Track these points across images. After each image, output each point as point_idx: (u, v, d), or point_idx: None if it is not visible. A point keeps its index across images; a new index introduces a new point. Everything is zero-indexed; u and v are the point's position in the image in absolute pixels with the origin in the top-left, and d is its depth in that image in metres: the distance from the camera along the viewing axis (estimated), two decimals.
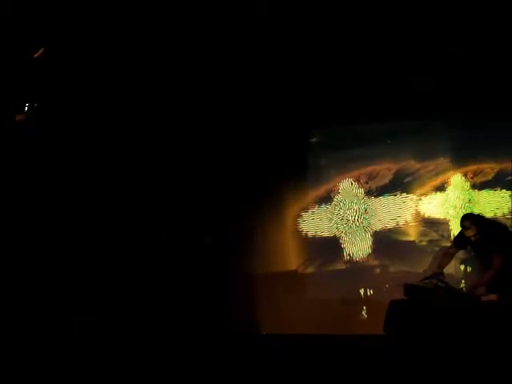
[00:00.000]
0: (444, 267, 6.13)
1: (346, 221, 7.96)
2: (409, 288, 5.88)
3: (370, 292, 7.69)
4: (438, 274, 5.96)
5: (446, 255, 6.30)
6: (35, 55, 6.69)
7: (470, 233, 5.93)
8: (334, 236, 8.00)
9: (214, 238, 7.89)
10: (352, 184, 7.95)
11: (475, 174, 7.42)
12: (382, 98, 7.31)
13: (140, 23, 6.68)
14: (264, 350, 6.81)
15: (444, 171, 7.56)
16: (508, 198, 7.23)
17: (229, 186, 7.90)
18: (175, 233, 7.86)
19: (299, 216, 8.17)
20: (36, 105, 7.00)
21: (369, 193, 7.89)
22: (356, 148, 7.83)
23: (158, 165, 7.87)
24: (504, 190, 7.28)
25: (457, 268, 7.14)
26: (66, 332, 7.01)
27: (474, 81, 6.92)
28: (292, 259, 8.21)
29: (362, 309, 7.63)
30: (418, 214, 7.65)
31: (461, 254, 6.70)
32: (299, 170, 8.17)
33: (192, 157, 7.92)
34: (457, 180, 7.49)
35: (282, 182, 8.07)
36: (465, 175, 7.45)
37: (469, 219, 6.03)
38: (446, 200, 7.53)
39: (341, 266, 7.98)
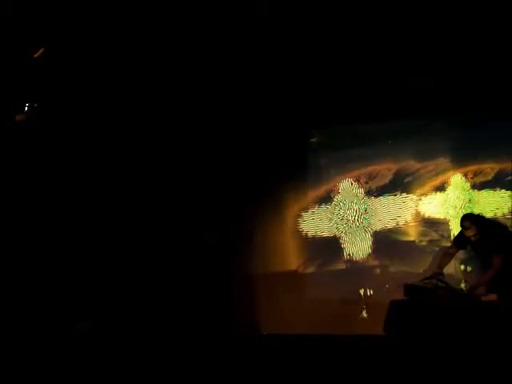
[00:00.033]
0: (444, 267, 6.13)
1: (345, 221, 7.96)
2: (409, 288, 5.88)
3: (369, 292, 7.69)
4: (438, 274, 5.96)
5: (446, 255, 6.30)
6: (35, 55, 6.69)
7: (469, 233, 5.93)
8: (334, 236, 8.00)
9: (213, 238, 7.89)
10: (352, 184, 7.94)
11: (475, 174, 7.41)
12: (381, 97, 7.31)
13: (140, 23, 6.68)
14: (264, 349, 6.81)
15: (444, 171, 7.56)
16: (508, 198, 7.22)
17: (229, 185, 7.90)
18: (175, 233, 7.86)
19: (299, 216, 8.17)
20: (36, 105, 7.00)
21: (369, 193, 7.89)
22: (356, 148, 7.83)
23: (158, 165, 7.87)
24: (504, 190, 7.28)
25: (457, 268, 7.14)
26: (66, 332, 7.01)
27: (474, 81, 6.92)
28: (292, 259, 8.21)
29: (362, 309, 7.62)
30: (417, 214, 7.65)
31: (461, 253, 6.70)
32: (299, 170, 8.16)
33: (192, 157, 7.92)
34: (457, 180, 7.49)
35: (282, 182, 8.07)
36: (465, 175, 7.45)
37: (469, 219, 6.02)
38: (446, 200, 7.52)
39: (341, 266, 7.98)
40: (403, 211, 7.72)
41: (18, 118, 6.96)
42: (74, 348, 6.71)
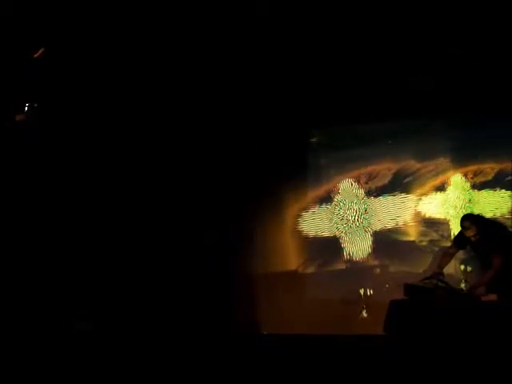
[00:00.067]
0: (444, 267, 6.13)
1: (345, 221, 7.96)
2: (409, 288, 5.88)
3: (369, 292, 7.69)
4: (438, 274, 5.95)
5: (446, 255, 6.29)
6: (35, 55, 6.69)
7: (469, 233, 5.92)
8: (334, 236, 8.01)
9: (213, 238, 7.89)
10: (352, 184, 7.95)
11: (475, 174, 7.42)
12: (382, 97, 7.32)
13: (140, 23, 6.68)
14: (264, 349, 6.80)
15: (444, 171, 7.56)
16: (508, 198, 7.23)
17: (229, 185, 7.90)
18: (175, 233, 7.86)
19: (299, 216, 8.17)
20: (36, 105, 7.00)
21: (369, 193, 7.89)
22: (356, 148, 7.84)
23: (158, 165, 7.87)
24: (503, 190, 7.29)
25: (457, 268, 7.14)
26: (66, 332, 7.01)
27: (474, 81, 6.92)
28: (292, 259, 8.21)
29: (362, 309, 7.62)
30: (417, 214, 7.66)
31: (461, 253, 6.70)
32: (299, 170, 8.17)
33: (192, 157, 7.92)
34: (457, 180, 7.49)
35: (282, 182, 8.07)
36: (465, 175, 7.45)
37: (469, 219, 6.02)
38: (446, 200, 7.53)
39: (341, 266, 7.98)
40: (403, 211, 7.72)
41: (18, 118, 6.96)
42: (74, 348, 6.71)
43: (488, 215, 7.02)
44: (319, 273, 8.07)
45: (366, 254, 7.87)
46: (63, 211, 7.54)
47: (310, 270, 8.15)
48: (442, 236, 7.52)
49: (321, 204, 8.09)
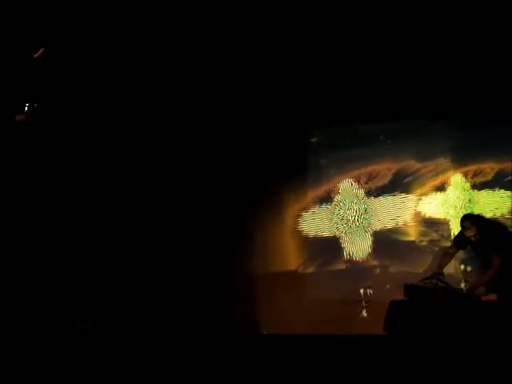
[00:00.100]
0: (444, 267, 6.13)
1: (345, 221, 7.96)
2: (409, 288, 5.88)
3: (369, 292, 7.68)
4: (438, 274, 5.96)
5: (446, 255, 6.30)
6: (35, 55, 6.69)
7: (469, 233, 5.92)
8: (334, 236, 8.00)
9: (213, 238, 7.89)
10: (352, 184, 7.95)
11: (475, 174, 7.42)
12: (382, 97, 7.31)
13: (140, 23, 6.68)
14: (264, 349, 6.80)
15: (444, 171, 7.56)
16: (507, 199, 7.23)
17: (229, 185, 7.90)
18: (175, 233, 7.86)
19: (299, 216, 8.17)
20: (36, 105, 7.00)
21: (369, 193, 7.89)
22: (356, 148, 7.83)
23: (158, 165, 7.87)
24: (503, 190, 7.29)
25: (457, 268, 7.14)
26: (66, 332, 7.01)
27: (474, 81, 6.92)
28: (292, 259, 8.21)
29: (362, 309, 7.62)
30: (417, 214, 7.66)
31: (461, 253, 6.70)
32: (299, 170, 8.17)
33: (192, 157, 7.92)
34: (457, 180, 7.49)
35: (282, 182, 8.07)
36: (465, 175, 7.45)
37: (469, 219, 6.02)
38: (446, 200, 7.53)
39: (341, 266, 7.98)
40: (403, 211, 7.72)
41: (18, 118, 6.96)
42: (74, 348, 6.71)
43: (488, 215, 7.02)
44: (319, 273, 8.07)
45: (365, 254, 7.87)
46: (63, 211, 7.53)
47: (310, 269, 8.14)
48: (442, 236, 7.52)
49: (321, 204, 8.09)
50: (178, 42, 6.94)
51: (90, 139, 7.59)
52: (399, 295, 5.97)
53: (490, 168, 7.34)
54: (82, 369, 6.20)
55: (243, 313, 7.73)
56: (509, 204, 7.21)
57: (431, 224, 7.61)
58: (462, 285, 6.87)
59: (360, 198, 7.92)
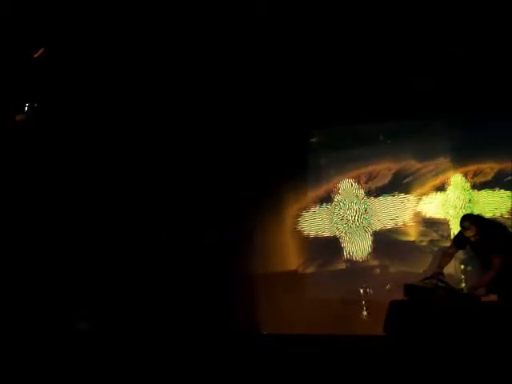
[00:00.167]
0: (444, 267, 6.13)
1: (345, 221, 7.96)
2: (409, 288, 5.88)
3: (369, 292, 7.68)
4: (438, 274, 5.96)
5: (446, 255, 6.30)
6: (35, 55, 6.68)
7: (469, 233, 5.92)
8: (334, 236, 8.00)
9: (213, 238, 7.89)
10: (352, 184, 7.95)
11: (475, 174, 7.42)
12: (382, 97, 7.31)
13: (140, 23, 6.68)
14: (264, 349, 6.80)
15: (444, 171, 7.56)
16: (507, 199, 7.23)
17: (229, 185, 7.90)
18: (175, 233, 7.86)
19: (299, 216, 8.17)
20: (36, 105, 7.00)
21: (369, 193, 7.89)
22: (356, 148, 7.84)
23: (158, 165, 7.87)
24: (503, 190, 7.29)
25: (457, 268, 7.14)
26: (66, 332, 7.01)
27: (474, 81, 6.92)
28: (292, 259, 8.21)
29: (362, 309, 7.62)
30: (417, 214, 7.66)
31: (461, 254, 6.71)
32: (299, 170, 8.17)
33: (192, 157, 7.92)
34: (457, 180, 7.49)
35: (282, 182, 8.07)
36: (465, 175, 7.45)
37: (468, 219, 6.02)
38: (446, 200, 7.53)
39: (341, 266, 7.99)
40: (403, 211, 7.73)
41: (18, 117, 6.96)
42: (74, 348, 6.71)
43: (488, 215, 7.02)
44: (319, 273, 8.07)
45: (366, 253, 7.87)
46: (63, 211, 7.53)
47: (310, 269, 8.15)
48: (442, 236, 7.52)
49: (321, 204, 8.09)
50: (177, 42, 6.93)
51: (89, 139, 7.59)
52: (399, 295, 5.96)
53: (489, 168, 7.35)
54: (82, 369, 6.20)
55: (243, 313, 7.74)
56: (509, 204, 7.21)
57: (431, 224, 7.61)
58: (462, 285, 6.88)
59: (360, 198, 7.92)
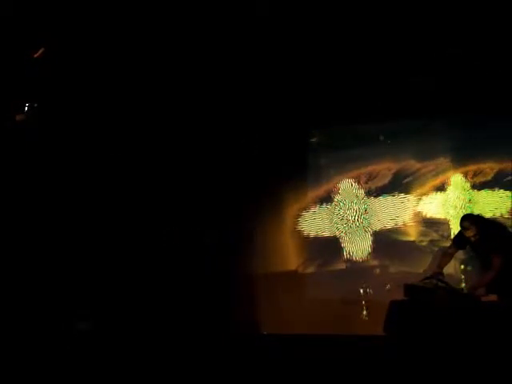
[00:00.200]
0: (443, 267, 6.12)
1: (345, 221, 7.96)
2: (409, 288, 5.88)
3: (369, 292, 7.68)
4: (438, 274, 5.95)
5: (446, 255, 6.29)
6: (35, 55, 6.69)
7: (469, 233, 5.92)
8: (334, 236, 8.00)
9: (213, 238, 7.89)
10: (352, 184, 7.95)
11: (475, 173, 7.42)
12: (382, 97, 7.31)
13: (140, 23, 6.68)
14: (264, 349, 6.80)
15: (444, 171, 7.56)
16: (507, 199, 7.23)
17: (229, 185, 7.90)
18: (175, 233, 7.86)
19: (299, 216, 8.17)
20: (36, 105, 7.00)
21: (369, 193, 7.89)
22: (356, 148, 7.83)
23: (158, 165, 7.87)
24: (502, 190, 7.29)
25: (457, 268, 7.14)
26: (66, 332, 7.01)
27: (474, 81, 6.92)
28: (292, 259, 8.21)
29: (362, 309, 7.62)
30: (417, 214, 7.66)
31: (461, 254, 6.70)
32: (299, 170, 8.17)
33: (192, 157, 7.92)
34: (457, 180, 7.49)
35: (282, 182, 8.07)
36: (465, 175, 7.45)
37: (468, 219, 6.01)
38: (447, 200, 7.53)
39: (341, 266, 7.99)
40: (403, 211, 7.73)
41: (18, 117, 6.96)
42: (74, 348, 6.71)
43: (487, 215, 7.02)
44: (319, 273, 8.07)
45: (365, 253, 7.87)
46: (63, 211, 7.53)
47: (310, 269, 8.15)
48: (442, 236, 7.52)
49: (321, 204, 8.09)
50: (178, 42, 6.93)
51: (90, 139, 7.59)
52: (399, 295, 5.96)
53: (489, 168, 7.34)
54: (82, 369, 6.20)
55: (243, 313, 7.73)
56: (508, 204, 7.21)
57: (431, 224, 7.61)
58: (462, 285, 6.88)
59: (360, 198, 7.92)
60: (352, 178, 7.95)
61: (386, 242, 7.78)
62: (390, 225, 7.79)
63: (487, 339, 5.24)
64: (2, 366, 6.12)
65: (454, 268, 7.01)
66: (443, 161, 7.56)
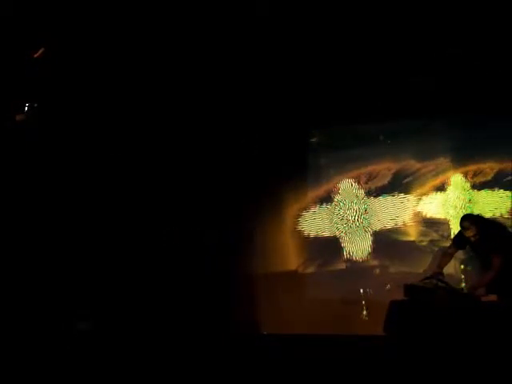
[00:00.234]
0: (443, 267, 6.12)
1: (345, 221, 7.96)
2: (409, 288, 5.87)
3: (369, 292, 7.68)
4: (438, 274, 5.95)
5: (446, 255, 6.29)
6: (35, 55, 6.69)
7: (469, 233, 5.91)
8: (334, 236, 8.00)
9: (213, 238, 7.89)
10: (352, 184, 7.95)
11: (475, 174, 7.42)
12: (382, 97, 7.31)
13: (140, 23, 6.68)
14: (264, 349, 6.80)
15: (444, 171, 7.56)
16: (506, 199, 7.23)
17: (229, 185, 7.90)
18: (175, 233, 7.86)
19: (299, 216, 8.17)
20: (36, 105, 7.00)
21: (369, 193, 7.89)
22: (356, 148, 7.84)
23: (158, 165, 7.87)
24: (502, 190, 7.29)
25: (457, 268, 7.14)
26: (66, 332, 7.01)
27: (474, 81, 6.92)
28: (292, 259, 8.21)
29: (362, 309, 7.62)
30: (417, 214, 7.66)
31: (461, 254, 6.70)
32: (299, 170, 8.17)
33: (192, 157, 7.92)
34: (457, 180, 7.49)
35: (282, 182, 8.07)
36: (465, 175, 7.45)
37: (468, 219, 6.01)
38: (447, 200, 7.53)
39: (341, 266, 7.99)
40: (403, 211, 7.73)
41: (18, 117, 6.96)
42: (74, 348, 6.71)
43: (487, 215, 7.02)
44: (319, 273, 8.07)
45: (366, 253, 7.87)
46: (63, 211, 7.53)
47: (310, 269, 8.15)
48: (442, 236, 7.52)
49: (321, 204, 8.09)
50: (178, 42, 6.93)
51: (90, 139, 7.59)
52: (399, 295, 5.96)
53: (489, 168, 7.35)
54: (82, 369, 6.20)
55: (243, 313, 7.73)
56: (508, 204, 7.21)
57: (431, 224, 7.61)
58: (462, 285, 6.88)
59: (360, 198, 7.93)
60: (352, 177, 7.95)
61: (386, 241, 7.78)
62: (390, 225, 7.79)
63: (487, 339, 5.24)
64: (3, 365, 6.12)
65: (454, 268, 7.01)
66: (443, 161, 7.56)
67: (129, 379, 5.99)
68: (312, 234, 8.12)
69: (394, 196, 7.78)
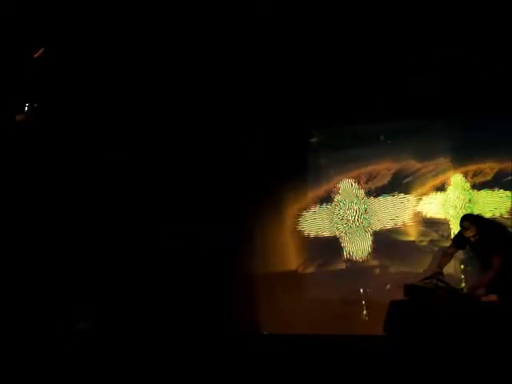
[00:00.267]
0: (443, 267, 6.11)
1: (345, 221, 7.96)
2: (409, 288, 5.87)
3: (370, 292, 7.68)
4: (438, 274, 5.95)
5: (446, 255, 6.28)
6: (35, 55, 6.69)
7: (469, 233, 5.91)
8: (334, 236, 8.00)
9: (213, 238, 7.89)
10: (352, 184, 7.95)
11: (475, 174, 7.42)
12: (382, 97, 7.31)
13: (140, 23, 6.68)
14: (264, 349, 6.80)
15: (444, 171, 7.56)
16: (506, 199, 7.23)
17: (229, 185, 7.90)
18: (175, 233, 7.86)
19: (299, 216, 8.17)
20: (36, 105, 7.00)
21: (369, 193, 7.89)
22: (356, 148, 7.84)
23: (158, 165, 7.87)
24: (502, 190, 7.29)
25: (457, 268, 7.14)
26: (66, 332, 7.01)
27: (474, 81, 6.92)
28: (292, 259, 8.21)
29: (362, 309, 7.62)
30: (417, 214, 7.66)
31: (461, 254, 6.70)
32: (299, 170, 8.17)
33: (192, 157, 7.92)
34: (457, 180, 7.49)
35: (282, 182, 8.07)
36: (465, 175, 7.45)
37: (468, 220, 6.00)
38: (447, 200, 7.53)
39: (341, 266, 7.99)
40: (403, 211, 7.73)
41: (18, 117, 6.97)
42: (74, 348, 6.71)
43: (487, 215, 7.02)
44: (319, 273, 8.07)
45: (365, 253, 7.87)
46: (63, 211, 7.53)
47: (310, 269, 8.15)
48: (442, 236, 7.52)
49: (321, 204, 8.10)
50: (178, 42, 6.94)
51: (90, 139, 7.59)
52: (399, 295, 5.96)
53: (489, 168, 7.35)
54: (82, 369, 6.20)
55: (243, 313, 7.73)
56: (508, 204, 7.21)
57: (431, 224, 7.61)
58: (462, 285, 6.88)
59: (360, 198, 7.93)
60: (352, 177, 7.95)
61: (386, 241, 7.78)
62: (389, 225, 7.79)
63: (487, 339, 5.24)
64: (3, 365, 6.12)
65: (454, 268, 7.01)
66: (443, 161, 7.56)
67: (129, 379, 5.99)
68: (312, 234, 8.12)
69: (394, 196, 7.78)
